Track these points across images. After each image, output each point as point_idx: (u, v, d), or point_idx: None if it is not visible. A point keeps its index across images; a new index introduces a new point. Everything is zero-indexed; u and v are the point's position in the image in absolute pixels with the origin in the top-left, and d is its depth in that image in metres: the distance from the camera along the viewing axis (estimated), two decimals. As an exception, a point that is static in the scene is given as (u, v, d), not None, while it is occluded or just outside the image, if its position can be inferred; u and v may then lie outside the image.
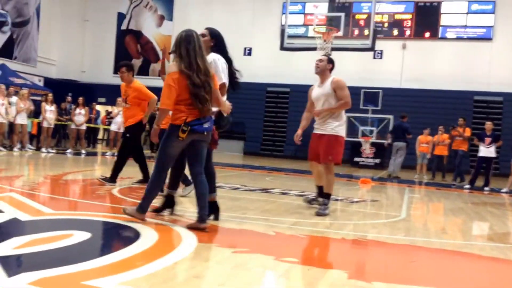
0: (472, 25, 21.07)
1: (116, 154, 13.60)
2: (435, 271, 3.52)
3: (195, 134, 4.01)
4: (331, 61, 5.82)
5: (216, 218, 4.53)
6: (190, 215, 4.72)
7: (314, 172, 6.10)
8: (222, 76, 4.30)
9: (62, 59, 24.97)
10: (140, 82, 6.81)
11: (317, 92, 5.80)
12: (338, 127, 5.63)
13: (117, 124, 14.11)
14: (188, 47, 3.97)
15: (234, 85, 4.70)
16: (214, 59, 4.35)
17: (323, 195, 5.71)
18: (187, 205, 5.28)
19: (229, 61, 4.55)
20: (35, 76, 20.40)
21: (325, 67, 5.76)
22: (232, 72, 4.59)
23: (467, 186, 11.94)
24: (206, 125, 4.04)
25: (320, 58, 5.94)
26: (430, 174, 14.69)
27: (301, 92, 22.55)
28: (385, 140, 18.48)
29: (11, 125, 12.80)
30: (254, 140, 22.47)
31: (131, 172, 5.82)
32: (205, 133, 4.07)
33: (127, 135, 6.86)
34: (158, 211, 4.57)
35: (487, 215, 7.08)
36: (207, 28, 4.51)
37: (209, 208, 4.21)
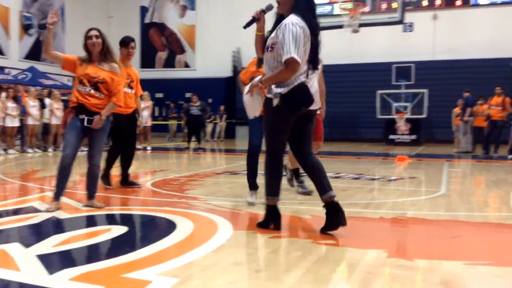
0: (506, -11, 20.26)
1: (148, 148, 13.87)
2: (478, 245, 3.40)
3: None
4: None
5: None
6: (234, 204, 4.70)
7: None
8: (289, 49, 3.23)
9: (90, 57, 25.31)
10: None
11: None
12: None
13: (144, 118, 14.20)
14: None
15: (313, 61, 3.53)
16: (285, 23, 3.34)
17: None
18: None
19: (313, 27, 3.48)
20: (64, 76, 20.73)
21: None
22: (314, 44, 3.48)
23: (510, 156, 11.56)
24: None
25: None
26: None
27: (330, 72, 22.30)
28: (419, 115, 18.17)
29: (44, 127, 13.08)
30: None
31: (164, 164, 5.84)
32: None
33: None
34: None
35: (532, 185, 6.82)
36: None
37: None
